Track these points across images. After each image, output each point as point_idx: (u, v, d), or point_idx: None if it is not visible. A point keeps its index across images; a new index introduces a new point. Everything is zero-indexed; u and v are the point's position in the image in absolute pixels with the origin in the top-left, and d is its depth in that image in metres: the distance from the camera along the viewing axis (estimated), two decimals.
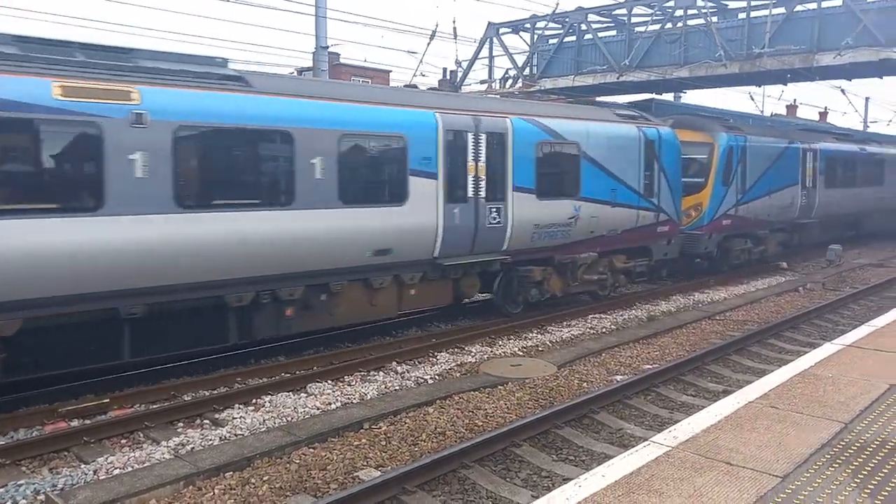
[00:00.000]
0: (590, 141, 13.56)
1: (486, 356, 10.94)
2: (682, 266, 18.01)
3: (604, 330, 12.91)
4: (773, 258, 20.80)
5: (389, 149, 10.54)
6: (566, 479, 6.34)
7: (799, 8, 21.48)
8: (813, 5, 21.37)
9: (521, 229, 12.32)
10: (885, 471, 4.81)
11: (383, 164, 10.67)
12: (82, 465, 6.92)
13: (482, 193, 11.70)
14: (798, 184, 21.18)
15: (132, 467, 6.81)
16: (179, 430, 7.91)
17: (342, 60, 30.55)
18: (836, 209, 23.93)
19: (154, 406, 8.49)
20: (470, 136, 11.54)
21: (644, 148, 14.76)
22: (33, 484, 6.43)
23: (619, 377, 9.96)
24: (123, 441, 7.60)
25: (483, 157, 11.69)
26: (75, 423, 7.93)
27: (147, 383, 9.19)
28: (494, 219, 11.87)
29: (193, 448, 7.29)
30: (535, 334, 12.44)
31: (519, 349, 11.41)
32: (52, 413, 8.00)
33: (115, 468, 6.80)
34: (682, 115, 20.10)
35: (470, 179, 11.49)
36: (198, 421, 8.19)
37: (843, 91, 29.13)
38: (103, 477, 6.62)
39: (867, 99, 49.54)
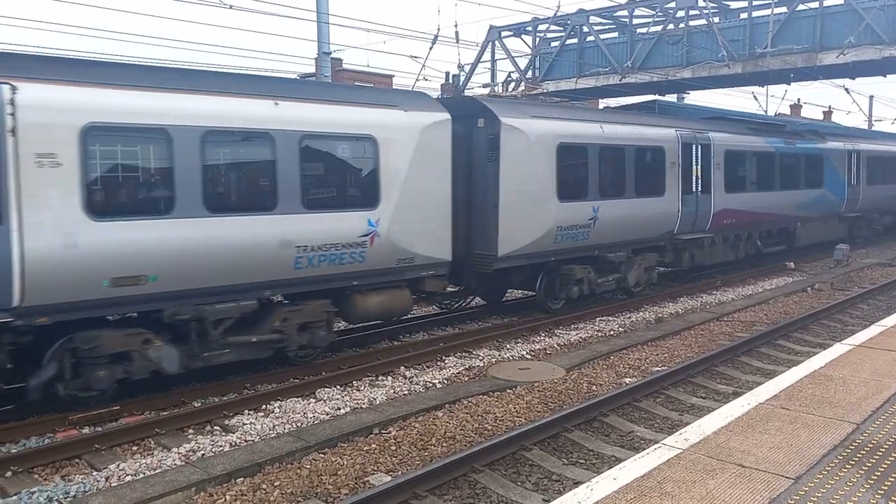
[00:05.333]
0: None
1: (493, 360, 10.94)
2: None
3: (611, 332, 12.90)
4: None
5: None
6: (577, 483, 6.34)
7: (801, 7, 21.47)
8: (815, 4, 21.36)
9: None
10: None
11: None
12: (94, 472, 6.94)
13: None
14: None
15: (144, 474, 6.84)
16: (190, 436, 7.94)
17: (345, 66, 30.61)
18: None
19: (164, 413, 8.52)
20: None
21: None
22: (46, 491, 6.47)
23: (628, 380, 9.95)
24: (134, 448, 7.62)
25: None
26: (86, 430, 7.97)
27: (156, 390, 9.21)
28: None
29: (204, 454, 7.31)
30: (542, 337, 12.44)
31: (527, 352, 11.41)
32: (63, 421, 8.02)
33: (127, 475, 6.83)
34: None
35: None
36: (208, 427, 8.21)
37: (847, 90, 29.07)
38: (115, 484, 6.65)
39: (871, 97, 49.43)
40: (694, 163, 16.31)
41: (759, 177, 19.02)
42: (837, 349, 8.19)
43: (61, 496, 6.40)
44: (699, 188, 16.46)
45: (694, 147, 16.33)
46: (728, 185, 17.50)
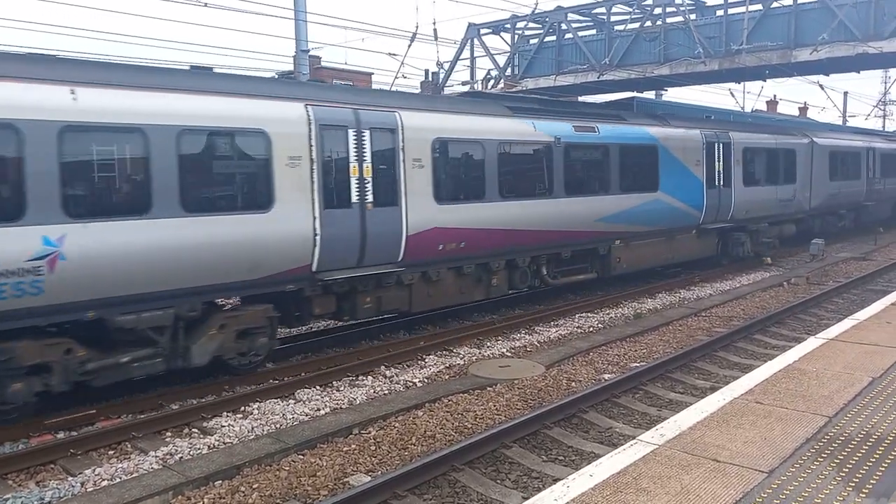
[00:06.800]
0: None
1: (474, 358, 10.97)
2: None
3: (591, 329, 12.98)
4: None
5: None
6: (556, 480, 6.37)
7: (775, 4, 21.73)
8: (789, 1, 21.63)
9: None
10: (869, 464, 4.87)
11: None
12: (70, 478, 6.87)
13: None
14: None
15: (120, 478, 6.77)
16: (167, 439, 7.87)
17: (323, 64, 30.47)
18: None
19: (141, 416, 8.44)
20: None
21: None
22: (20, 498, 6.39)
23: (607, 376, 10.01)
24: (111, 452, 7.55)
25: None
26: (62, 434, 7.88)
27: (133, 393, 9.12)
28: None
29: (182, 457, 7.26)
30: (523, 335, 12.48)
31: (507, 350, 11.44)
32: (37, 425, 7.92)
33: (103, 480, 6.76)
34: None
35: None
36: (186, 430, 8.15)
37: (821, 86, 29.43)
38: (91, 489, 6.57)
39: (846, 94, 50.16)
40: (355, 159, 10.26)
41: (518, 178, 12.97)
42: (811, 343, 8.30)
43: (36, 503, 6.32)
44: (368, 198, 10.38)
45: (353, 135, 10.23)
46: (446, 191, 11.58)
